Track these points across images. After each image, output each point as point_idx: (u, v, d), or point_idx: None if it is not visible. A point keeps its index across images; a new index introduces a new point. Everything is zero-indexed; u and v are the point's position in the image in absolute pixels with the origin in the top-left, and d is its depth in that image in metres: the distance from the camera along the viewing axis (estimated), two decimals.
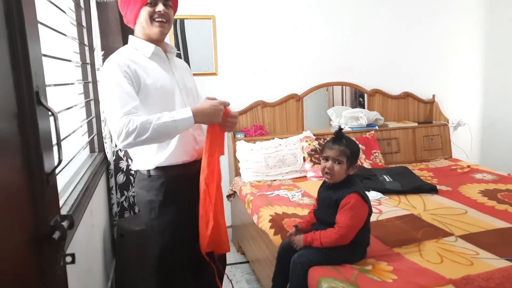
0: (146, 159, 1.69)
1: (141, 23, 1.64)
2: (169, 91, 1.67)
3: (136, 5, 1.61)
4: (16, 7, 0.80)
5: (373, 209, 1.89)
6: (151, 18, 1.63)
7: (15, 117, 0.80)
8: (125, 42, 2.74)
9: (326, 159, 1.75)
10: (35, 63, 0.87)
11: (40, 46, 0.94)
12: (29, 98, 0.84)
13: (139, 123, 1.47)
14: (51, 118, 0.93)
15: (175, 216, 1.69)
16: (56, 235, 0.88)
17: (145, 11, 1.62)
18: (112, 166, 2.73)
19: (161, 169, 1.69)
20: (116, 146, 2.72)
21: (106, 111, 1.57)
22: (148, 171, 1.70)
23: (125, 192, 2.79)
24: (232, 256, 3.06)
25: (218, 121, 1.63)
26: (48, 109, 0.91)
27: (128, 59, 1.60)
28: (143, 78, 1.59)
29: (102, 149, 2.72)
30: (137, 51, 1.68)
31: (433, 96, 3.72)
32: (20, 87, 0.82)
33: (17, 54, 0.81)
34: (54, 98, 1.77)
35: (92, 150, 2.69)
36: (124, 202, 2.79)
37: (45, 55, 1.45)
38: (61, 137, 1.66)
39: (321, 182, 1.90)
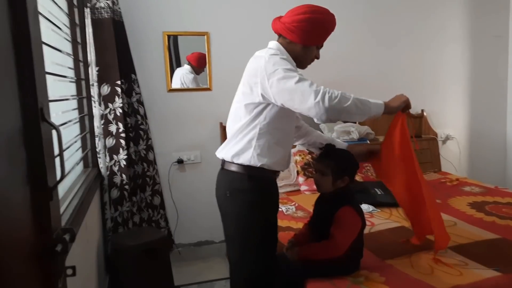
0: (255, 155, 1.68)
1: (304, 54, 1.77)
2: None
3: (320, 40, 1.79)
4: (24, 29, 0.83)
5: (366, 222, 1.93)
6: (312, 60, 1.79)
7: (21, 133, 0.83)
8: (120, 57, 2.78)
9: (315, 171, 1.82)
10: (40, 81, 0.90)
11: (44, 65, 0.97)
12: (34, 115, 0.87)
13: (339, 91, 1.53)
14: (54, 134, 0.96)
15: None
16: (59, 247, 0.90)
17: (315, 50, 1.78)
18: (106, 181, 2.74)
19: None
20: (108, 161, 2.74)
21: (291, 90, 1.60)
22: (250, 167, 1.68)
23: (119, 207, 2.79)
24: (226, 269, 3.06)
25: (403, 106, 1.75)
26: (52, 125, 0.94)
27: None
28: None
29: (96, 164, 2.73)
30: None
31: (422, 111, 3.80)
32: (26, 104, 0.85)
33: (23, 73, 0.84)
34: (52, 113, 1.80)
35: (86, 165, 2.69)
36: (118, 217, 2.79)
37: (46, 73, 1.47)
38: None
39: (314, 195, 1.94)
